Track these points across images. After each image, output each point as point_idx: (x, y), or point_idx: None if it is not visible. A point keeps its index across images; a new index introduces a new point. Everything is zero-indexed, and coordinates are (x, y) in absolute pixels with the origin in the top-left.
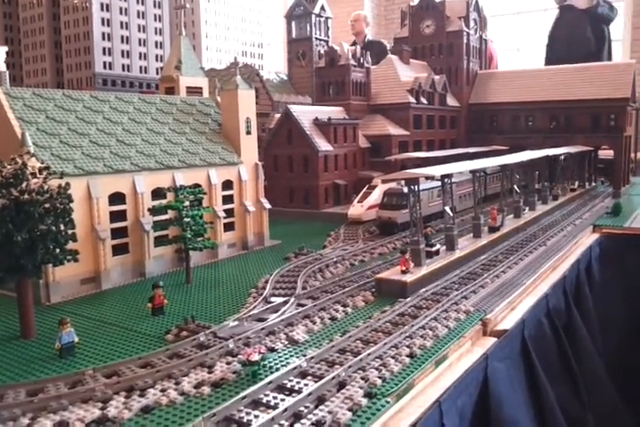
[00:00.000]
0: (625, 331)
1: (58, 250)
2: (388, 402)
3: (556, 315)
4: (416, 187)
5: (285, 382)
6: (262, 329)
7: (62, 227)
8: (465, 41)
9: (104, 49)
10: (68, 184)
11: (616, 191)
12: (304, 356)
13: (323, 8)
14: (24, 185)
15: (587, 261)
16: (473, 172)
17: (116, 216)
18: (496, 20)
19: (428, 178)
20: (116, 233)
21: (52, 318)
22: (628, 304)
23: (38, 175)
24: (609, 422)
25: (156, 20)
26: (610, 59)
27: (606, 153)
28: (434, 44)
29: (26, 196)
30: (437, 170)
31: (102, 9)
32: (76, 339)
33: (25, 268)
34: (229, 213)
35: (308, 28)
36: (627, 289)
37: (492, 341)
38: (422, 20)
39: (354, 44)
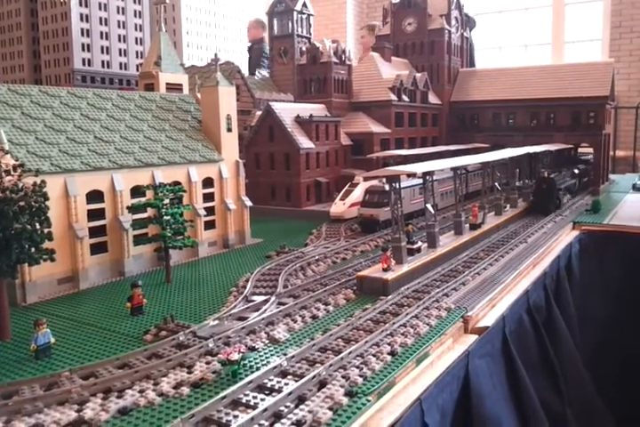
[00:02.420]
0: (604, 327)
1: (33, 249)
2: (368, 401)
3: (536, 311)
4: (397, 184)
5: (266, 381)
6: (243, 328)
7: (38, 225)
8: (446, 39)
9: (83, 45)
10: (43, 182)
11: (595, 189)
12: (285, 355)
13: (305, 5)
14: None
15: (567, 257)
16: (454, 169)
17: (94, 214)
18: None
19: (409, 175)
20: (94, 232)
21: (28, 319)
22: (606, 300)
23: (12, 173)
24: (588, 416)
25: (136, 15)
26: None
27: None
28: (415, 41)
29: None
30: (419, 167)
31: (81, 4)
32: (53, 340)
33: None
34: (210, 211)
35: (290, 25)
36: (605, 285)
37: (473, 338)
38: (404, 17)
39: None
